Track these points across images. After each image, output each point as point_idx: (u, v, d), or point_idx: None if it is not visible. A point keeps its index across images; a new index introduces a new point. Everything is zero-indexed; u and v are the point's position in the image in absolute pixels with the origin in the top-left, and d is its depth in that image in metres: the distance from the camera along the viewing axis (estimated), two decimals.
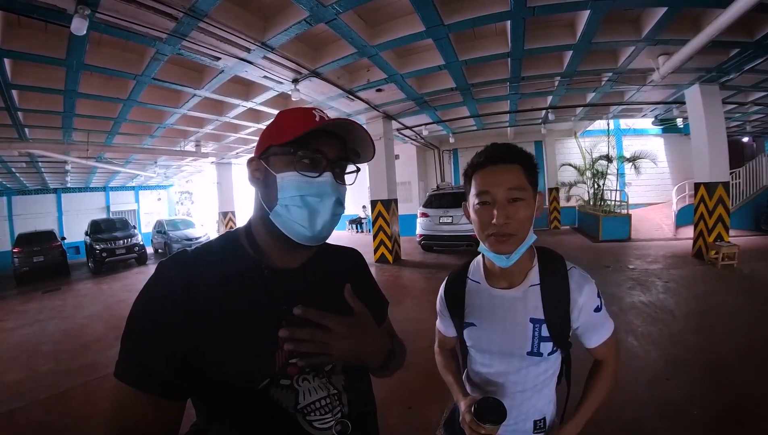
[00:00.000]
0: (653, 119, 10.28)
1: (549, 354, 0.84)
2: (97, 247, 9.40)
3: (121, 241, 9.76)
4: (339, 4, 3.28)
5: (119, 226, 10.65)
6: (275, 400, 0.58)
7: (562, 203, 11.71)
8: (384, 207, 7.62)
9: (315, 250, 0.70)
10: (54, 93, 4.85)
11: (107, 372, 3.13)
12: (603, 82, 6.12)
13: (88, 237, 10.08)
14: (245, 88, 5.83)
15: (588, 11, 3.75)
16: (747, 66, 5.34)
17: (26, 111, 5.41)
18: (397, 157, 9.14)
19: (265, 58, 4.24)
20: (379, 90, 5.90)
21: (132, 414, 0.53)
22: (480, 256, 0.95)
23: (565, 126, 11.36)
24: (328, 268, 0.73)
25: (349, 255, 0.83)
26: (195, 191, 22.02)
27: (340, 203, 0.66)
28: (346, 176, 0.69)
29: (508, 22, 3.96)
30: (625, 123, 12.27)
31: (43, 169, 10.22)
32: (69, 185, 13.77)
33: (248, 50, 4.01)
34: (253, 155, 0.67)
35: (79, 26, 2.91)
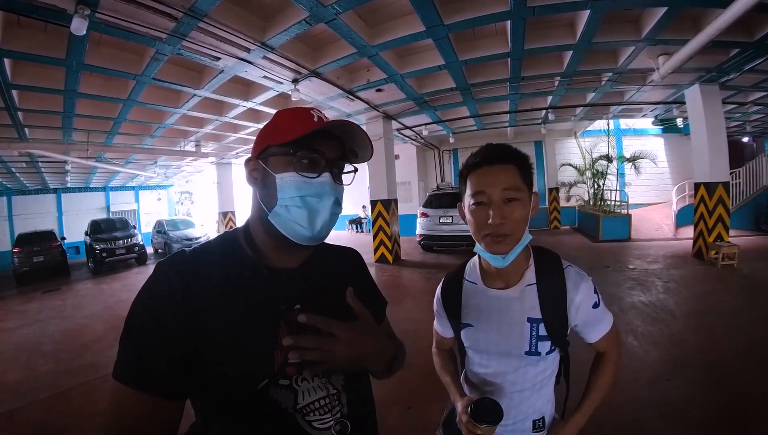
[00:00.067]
0: (653, 119, 10.28)
1: (547, 353, 0.84)
2: (97, 247, 9.40)
3: (121, 241, 9.76)
4: (339, 4, 3.28)
5: (119, 226, 10.65)
6: (274, 400, 0.58)
7: (562, 203, 11.70)
8: (384, 207, 7.62)
9: (313, 249, 0.70)
10: (54, 93, 4.85)
11: (107, 372, 3.11)
12: (603, 82, 6.12)
13: (88, 237, 10.08)
14: (245, 88, 5.83)
15: (588, 11, 3.75)
16: (747, 66, 5.34)
17: (26, 111, 5.41)
18: (397, 157, 9.14)
19: (265, 58, 4.24)
20: (379, 90, 5.90)
21: (131, 414, 0.52)
22: (476, 257, 0.95)
23: (565, 126, 11.35)
24: (327, 268, 0.73)
25: (348, 255, 0.83)
26: (195, 191, 22.03)
27: (338, 203, 0.66)
28: (343, 176, 0.69)
29: (508, 22, 3.96)
30: (625, 123, 12.26)
31: (43, 169, 10.22)
32: (69, 185, 13.77)
33: (248, 50, 4.01)
34: (250, 155, 0.67)
35: (78, 26, 2.91)
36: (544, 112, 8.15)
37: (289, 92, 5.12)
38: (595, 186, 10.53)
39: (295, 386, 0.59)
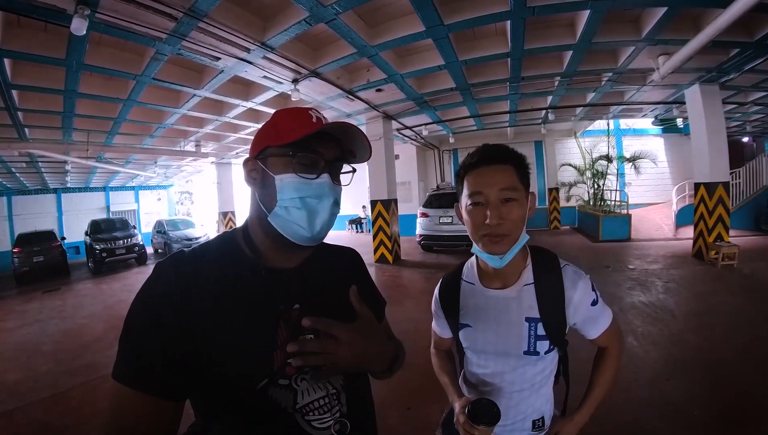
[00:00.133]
0: (653, 119, 10.28)
1: (546, 353, 0.84)
2: (97, 247, 9.40)
3: (121, 241, 9.76)
4: (339, 4, 3.28)
5: (119, 226, 10.65)
6: (274, 399, 0.58)
7: (562, 203, 11.69)
8: (384, 207, 7.62)
9: (312, 250, 0.70)
10: (54, 93, 4.85)
11: (107, 372, 3.10)
12: (603, 82, 6.12)
13: (88, 237, 10.08)
14: (245, 88, 5.83)
15: (588, 11, 3.75)
16: (747, 66, 5.34)
17: (26, 111, 5.41)
18: (397, 157, 9.14)
19: (264, 58, 4.24)
20: (379, 90, 5.90)
21: (130, 414, 0.53)
22: (473, 258, 0.95)
23: (565, 126, 11.35)
24: (326, 268, 0.73)
25: (347, 255, 0.83)
26: (195, 191, 22.01)
27: (337, 203, 0.66)
28: (342, 176, 0.69)
29: (508, 22, 3.96)
30: (625, 123, 12.26)
31: (43, 169, 10.22)
32: (69, 185, 13.77)
33: (248, 50, 4.01)
34: (249, 156, 0.67)
35: (78, 26, 2.91)
36: (544, 112, 8.15)
37: (289, 92, 5.12)
38: (595, 186, 10.53)
39: (294, 386, 0.59)
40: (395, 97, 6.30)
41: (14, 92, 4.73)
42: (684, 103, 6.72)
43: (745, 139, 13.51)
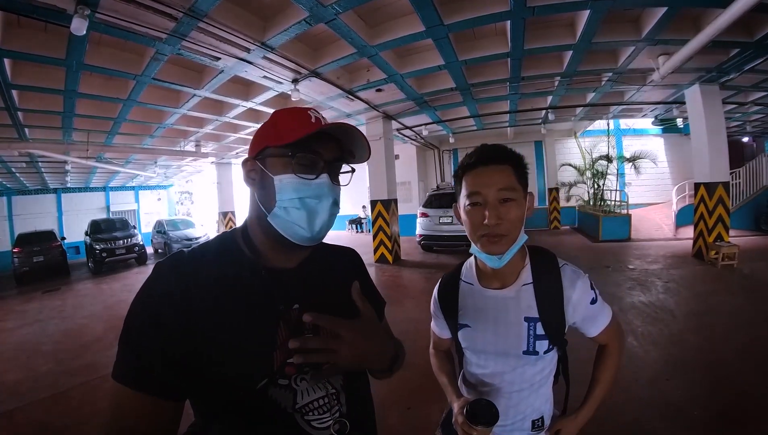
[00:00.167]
0: (653, 119, 10.28)
1: (545, 352, 0.84)
2: (97, 247, 9.40)
3: (121, 241, 9.77)
4: (339, 4, 3.28)
5: (119, 226, 10.66)
6: (273, 399, 0.58)
7: (562, 203, 11.69)
8: (384, 207, 7.62)
9: (312, 249, 0.70)
10: (54, 93, 4.85)
11: (107, 372, 3.10)
12: (603, 82, 6.12)
13: (88, 237, 10.08)
14: (245, 88, 5.83)
15: (588, 11, 3.75)
16: (747, 66, 5.34)
17: (26, 111, 5.41)
18: (397, 157, 9.14)
19: (264, 58, 4.24)
20: (379, 90, 5.90)
21: (130, 414, 0.53)
22: (472, 258, 0.95)
23: (565, 126, 11.35)
24: (325, 267, 0.73)
25: (347, 254, 0.83)
26: (195, 191, 22.01)
27: (336, 204, 0.66)
28: (341, 176, 0.69)
29: (508, 22, 3.96)
30: (625, 123, 12.26)
31: (43, 169, 10.22)
32: (69, 185, 13.77)
33: (248, 50, 4.01)
34: (248, 156, 0.67)
35: (78, 26, 2.91)
36: (544, 112, 8.15)
37: (289, 92, 5.12)
38: (595, 186, 10.53)
39: (294, 386, 0.59)
40: (395, 97, 6.30)
41: (14, 92, 4.74)
42: (684, 103, 6.72)
43: (745, 139, 13.51)
